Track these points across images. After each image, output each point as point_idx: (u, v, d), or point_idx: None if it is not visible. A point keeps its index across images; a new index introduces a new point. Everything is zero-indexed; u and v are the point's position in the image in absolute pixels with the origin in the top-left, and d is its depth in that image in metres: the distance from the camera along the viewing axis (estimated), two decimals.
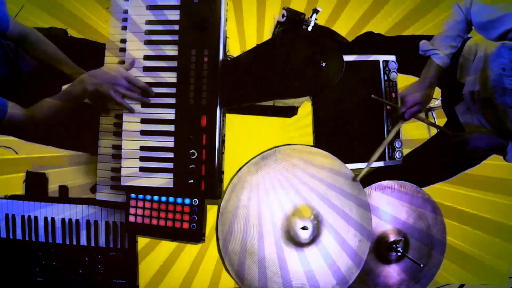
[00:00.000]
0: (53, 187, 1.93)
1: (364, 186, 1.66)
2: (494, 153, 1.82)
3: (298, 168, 1.58)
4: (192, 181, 1.62)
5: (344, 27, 2.44)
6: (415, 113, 1.78)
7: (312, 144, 1.82)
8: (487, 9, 1.63)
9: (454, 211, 2.19)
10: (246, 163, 1.57)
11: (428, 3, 2.37)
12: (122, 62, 1.71)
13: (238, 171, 1.57)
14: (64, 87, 1.76)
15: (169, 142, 1.65)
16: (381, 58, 1.85)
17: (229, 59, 1.73)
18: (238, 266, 1.55)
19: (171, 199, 1.64)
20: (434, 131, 2.15)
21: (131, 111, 1.65)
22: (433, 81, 1.76)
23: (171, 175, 1.64)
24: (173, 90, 1.65)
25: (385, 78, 1.85)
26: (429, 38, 1.84)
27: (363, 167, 1.75)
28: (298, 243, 1.57)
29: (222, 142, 1.70)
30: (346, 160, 1.64)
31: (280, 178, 1.57)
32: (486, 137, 1.76)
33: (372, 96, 1.80)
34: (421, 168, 1.92)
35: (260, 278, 1.55)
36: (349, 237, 1.60)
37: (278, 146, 1.59)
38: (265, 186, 1.56)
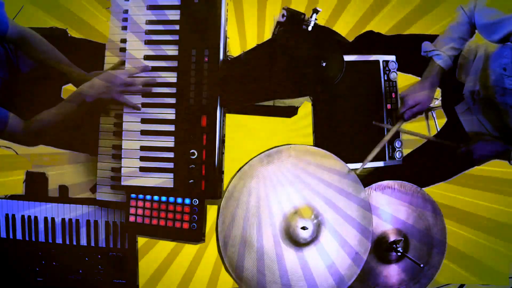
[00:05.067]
0: (53, 187, 1.93)
1: (364, 186, 1.66)
2: (498, 158, 1.82)
3: (308, 168, 1.58)
4: (192, 181, 1.63)
5: (345, 27, 2.44)
6: (415, 114, 1.78)
7: (312, 144, 1.82)
8: (490, 11, 1.63)
9: (453, 210, 2.19)
10: (259, 154, 1.57)
11: (429, 4, 2.37)
12: (122, 62, 1.71)
13: (250, 160, 1.57)
14: (64, 87, 1.76)
15: (169, 142, 1.65)
16: (381, 58, 1.85)
17: (229, 59, 1.73)
18: (232, 253, 1.55)
19: (171, 199, 1.64)
20: (434, 131, 2.15)
21: (136, 108, 1.65)
22: (434, 82, 1.77)
23: (171, 175, 1.64)
24: (173, 90, 1.66)
25: (385, 78, 1.85)
26: (429, 37, 1.84)
27: (363, 167, 1.75)
28: (296, 242, 1.57)
29: (222, 142, 1.70)
30: (346, 160, 1.64)
31: (289, 175, 1.57)
32: (490, 144, 1.76)
33: (374, 123, 1.81)
34: (421, 168, 1.92)
35: (254, 269, 1.55)
36: (349, 243, 1.60)
37: (293, 144, 1.59)
38: (274, 179, 1.56)
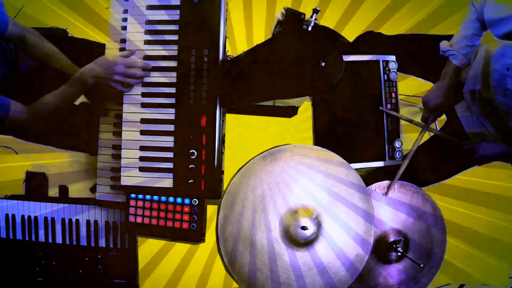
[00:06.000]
0: (53, 187, 1.93)
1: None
2: (500, 160, 1.82)
3: (311, 168, 1.59)
4: (191, 181, 1.63)
5: (344, 27, 2.44)
6: (438, 116, 1.80)
7: (312, 144, 1.82)
8: (498, 7, 1.63)
9: (453, 210, 2.19)
10: (263, 152, 1.58)
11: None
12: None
13: (252, 158, 1.57)
14: None
15: (169, 142, 1.65)
16: (381, 58, 1.85)
17: (229, 59, 1.73)
18: (231, 250, 1.55)
19: (171, 199, 1.64)
20: None
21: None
22: (452, 81, 1.78)
23: (171, 175, 1.64)
24: (173, 90, 1.66)
25: (385, 78, 1.85)
26: (429, 37, 1.84)
27: (363, 167, 1.76)
28: (296, 242, 1.57)
29: (222, 142, 1.70)
30: (346, 160, 1.64)
31: (292, 173, 1.57)
32: (494, 145, 1.76)
33: (380, 108, 1.81)
34: (421, 168, 1.92)
35: (253, 268, 1.55)
36: (348, 247, 1.60)
37: (296, 144, 1.60)
38: (276, 177, 1.56)
